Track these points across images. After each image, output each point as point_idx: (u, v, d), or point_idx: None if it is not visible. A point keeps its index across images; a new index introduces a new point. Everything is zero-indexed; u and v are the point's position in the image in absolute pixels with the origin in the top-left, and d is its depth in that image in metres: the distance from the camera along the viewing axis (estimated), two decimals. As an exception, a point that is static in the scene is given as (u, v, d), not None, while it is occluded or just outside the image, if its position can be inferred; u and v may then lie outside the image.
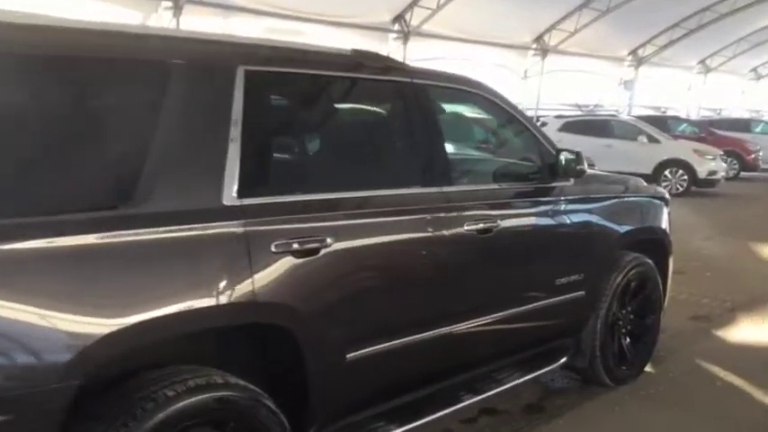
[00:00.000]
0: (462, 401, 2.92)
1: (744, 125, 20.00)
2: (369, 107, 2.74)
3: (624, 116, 16.76)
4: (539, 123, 15.57)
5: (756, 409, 3.65)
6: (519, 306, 3.08)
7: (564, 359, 3.46)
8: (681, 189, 13.68)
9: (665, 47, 22.36)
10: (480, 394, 3.01)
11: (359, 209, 2.42)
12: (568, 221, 3.36)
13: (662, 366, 4.17)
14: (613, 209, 3.66)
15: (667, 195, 4.21)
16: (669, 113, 23.25)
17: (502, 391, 3.10)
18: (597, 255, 3.50)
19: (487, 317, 2.93)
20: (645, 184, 4.19)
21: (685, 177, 13.65)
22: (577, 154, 3.22)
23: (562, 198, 3.32)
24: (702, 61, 25.39)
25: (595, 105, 21.06)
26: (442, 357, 2.82)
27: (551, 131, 14.48)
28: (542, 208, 3.22)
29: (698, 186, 13.79)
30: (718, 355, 4.41)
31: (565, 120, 14.96)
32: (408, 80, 2.74)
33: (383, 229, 2.49)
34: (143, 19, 11.03)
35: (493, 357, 3.13)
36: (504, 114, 3.23)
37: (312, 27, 13.30)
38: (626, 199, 3.82)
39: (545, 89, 19.12)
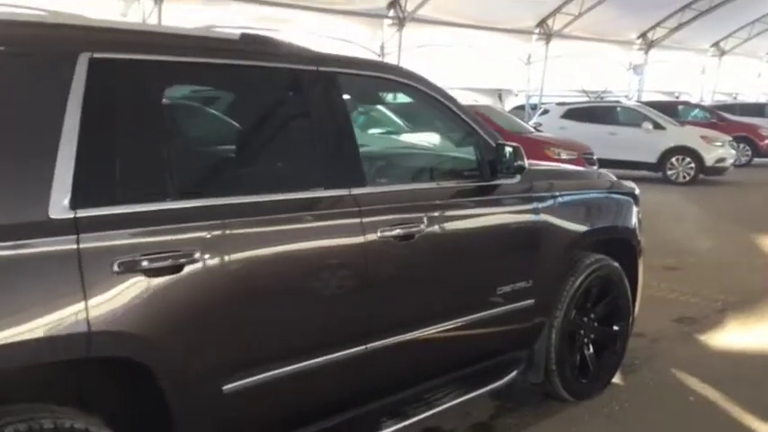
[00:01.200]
0: (385, 428, 2.60)
1: (758, 110, 19.34)
2: (257, 98, 2.40)
3: (629, 102, 16.21)
4: (540, 111, 15.16)
5: None
6: (451, 319, 2.74)
7: (513, 374, 3.12)
8: (688, 177, 13.21)
9: (676, 29, 21.66)
10: (408, 418, 2.69)
11: (238, 217, 2.09)
12: (512, 223, 3.01)
13: (634, 377, 3.81)
14: (571, 207, 3.29)
15: (637, 191, 3.83)
16: (682, 99, 22.63)
17: (433, 413, 2.77)
18: (549, 259, 3.14)
19: (412, 333, 2.60)
20: (613, 178, 3.81)
21: (692, 165, 13.15)
22: (516, 148, 2.86)
23: (504, 197, 2.97)
24: (716, 44, 24.62)
25: (603, 91, 20.48)
26: (356, 381, 2.49)
27: (553, 119, 14.07)
28: (479, 209, 2.86)
29: (706, 174, 13.29)
30: (698, 363, 4.03)
31: (567, 107, 14.47)
32: (312, 68, 2.40)
33: (270, 239, 2.16)
34: (124, 8, 10.75)
35: (423, 377, 2.80)
36: (435, 104, 2.87)
37: (302, 14, 12.91)
38: (587, 196, 3.45)
39: (550, 75, 18.59)
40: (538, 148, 9.75)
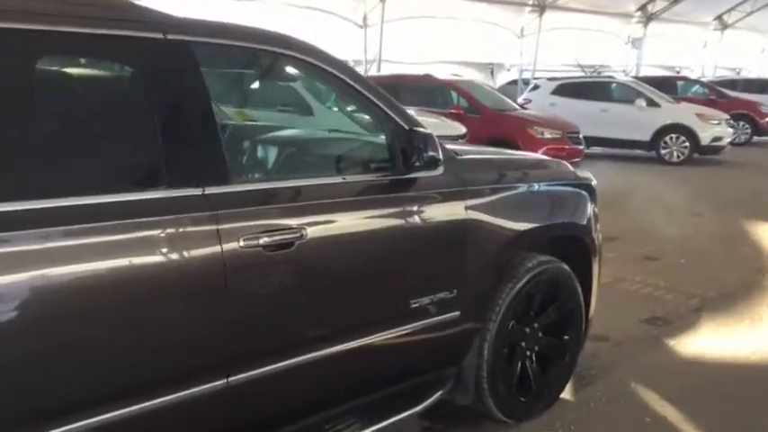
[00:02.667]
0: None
1: (762, 86, 18.68)
2: (73, 73, 1.93)
3: (622, 77, 15.60)
4: (531, 86, 14.54)
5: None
6: (346, 341, 2.29)
7: (435, 397, 2.69)
8: (682, 157, 12.70)
9: (677, 1, 20.90)
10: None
11: (23, 228, 1.61)
12: (430, 225, 2.54)
13: (586, 391, 3.38)
14: (508, 203, 2.83)
15: (593, 183, 3.35)
16: (683, 74, 21.97)
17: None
18: (479, 264, 2.68)
19: (292, 359, 2.15)
20: (566, 168, 3.34)
21: (687, 144, 12.63)
22: (427, 136, 2.39)
23: (421, 194, 2.51)
24: (719, 17, 23.83)
25: (600, 66, 19.81)
26: (219, 420, 2.06)
27: (544, 95, 13.51)
28: (386, 209, 2.40)
29: (701, 153, 12.78)
30: (663, 375, 3.60)
31: (558, 82, 13.90)
32: (157, 35, 1.92)
33: (80, 253, 1.70)
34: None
35: (316, 407, 2.37)
36: (336, 82, 2.39)
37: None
38: (530, 189, 2.98)
39: (544, 49, 17.90)
40: (520, 126, 9.25)
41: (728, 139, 13.06)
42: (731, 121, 13.57)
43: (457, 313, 2.63)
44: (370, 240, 2.34)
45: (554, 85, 13.74)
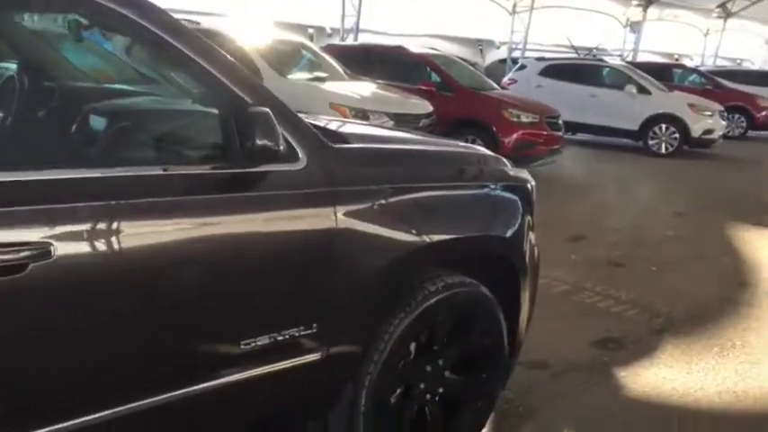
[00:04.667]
0: None
1: (763, 78, 17.97)
2: None
3: (614, 61, 14.84)
4: (517, 66, 13.75)
5: None
6: (127, 402, 1.63)
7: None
8: (671, 149, 12.04)
9: (680, -15, 20.09)
10: None
11: None
12: (277, 238, 1.87)
13: (509, 438, 2.76)
14: (401, 209, 2.15)
15: (530, 185, 2.69)
16: (682, 62, 21.22)
17: None
18: (353, 289, 2.02)
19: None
20: (496, 163, 2.66)
21: (677, 135, 11.95)
22: (261, 116, 1.70)
23: (266, 194, 1.84)
24: (722, 4, 22.98)
25: (596, 48, 18.99)
26: None
27: (530, 75, 12.76)
28: (205, 218, 1.72)
29: (691, 146, 12.12)
30: (603, 419, 2.98)
31: (546, 63, 13.14)
32: None
33: None
34: None
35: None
36: (144, 34, 1.69)
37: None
38: (436, 191, 2.30)
39: (536, 28, 17.07)
40: (495, 107, 8.54)
41: (721, 132, 12.40)
42: (725, 113, 12.90)
43: (317, 356, 1.97)
44: (168, 258, 1.66)
45: (542, 65, 12.98)
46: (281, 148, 1.75)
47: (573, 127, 11.44)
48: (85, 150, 1.74)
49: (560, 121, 8.90)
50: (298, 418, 2.10)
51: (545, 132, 8.54)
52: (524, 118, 8.44)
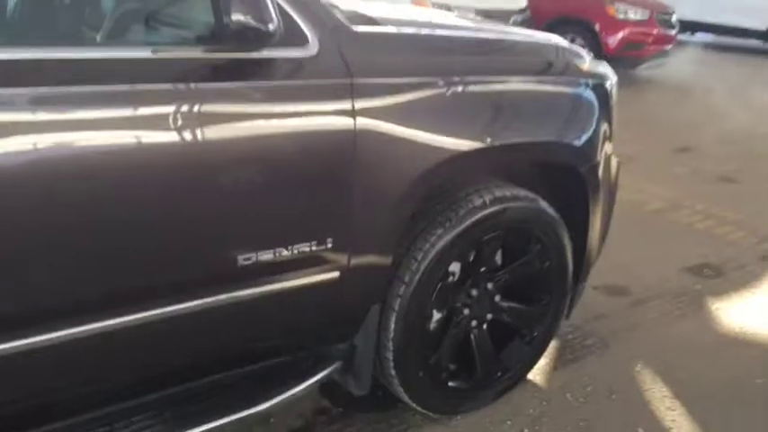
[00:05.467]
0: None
1: None
2: None
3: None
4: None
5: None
6: (116, 316, 1.44)
7: (300, 389, 1.84)
8: None
9: None
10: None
11: None
12: (282, 138, 1.54)
13: (569, 372, 2.43)
14: (436, 105, 1.77)
15: (609, 83, 2.23)
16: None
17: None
18: (376, 200, 1.72)
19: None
20: (575, 56, 2.20)
21: None
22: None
23: (266, 86, 1.53)
24: None
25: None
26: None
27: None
28: (195, 111, 1.42)
29: None
30: (687, 358, 2.59)
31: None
32: None
33: None
34: None
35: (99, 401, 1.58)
36: None
37: None
38: (482, 87, 1.90)
39: None
40: (598, 2, 7.66)
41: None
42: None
43: (334, 275, 1.71)
44: (156, 161, 1.40)
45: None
46: (271, 27, 1.42)
47: (690, 26, 10.23)
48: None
49: (674, 19, 7.90)
50: (321, 340, 1.88)
51: (655, 31, 7.62)
52: (632, 14, 7.55)
